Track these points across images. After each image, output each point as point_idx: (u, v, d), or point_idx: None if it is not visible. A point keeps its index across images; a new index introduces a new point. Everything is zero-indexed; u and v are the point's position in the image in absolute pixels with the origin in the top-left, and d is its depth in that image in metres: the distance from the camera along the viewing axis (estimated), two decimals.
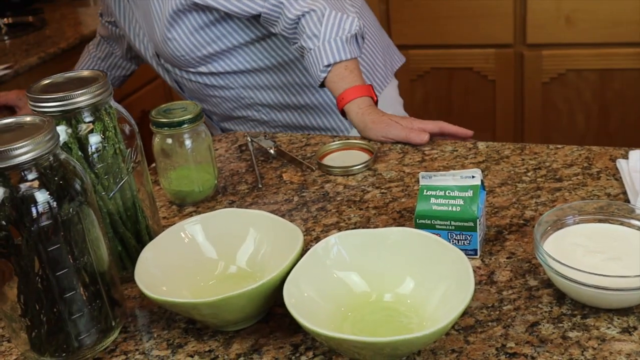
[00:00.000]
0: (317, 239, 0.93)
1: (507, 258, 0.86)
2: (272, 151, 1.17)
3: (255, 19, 1.31)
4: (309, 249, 0.78)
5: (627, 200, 0.94)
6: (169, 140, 1.03)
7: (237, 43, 1.35)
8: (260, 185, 1.09)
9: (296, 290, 0.73)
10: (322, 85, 1.27)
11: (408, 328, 0.75)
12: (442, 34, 2.43)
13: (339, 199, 1.03)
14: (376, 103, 1.24)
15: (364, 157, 1.13)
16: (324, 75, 1.24)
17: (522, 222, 0.93)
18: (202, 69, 1.39)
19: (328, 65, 1.23)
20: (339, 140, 1.19)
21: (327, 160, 1.14)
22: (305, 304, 0.73)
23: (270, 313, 0.81)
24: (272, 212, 1.01)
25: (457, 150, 1.13)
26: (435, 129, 1.18)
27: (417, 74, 2.51)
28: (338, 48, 1.23)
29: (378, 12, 2.44)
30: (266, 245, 0.84)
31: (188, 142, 1.03)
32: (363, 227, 0.95)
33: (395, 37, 2.46)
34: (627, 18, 2.23)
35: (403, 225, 0.95)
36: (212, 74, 1.40)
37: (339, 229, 0.95)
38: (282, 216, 0.99)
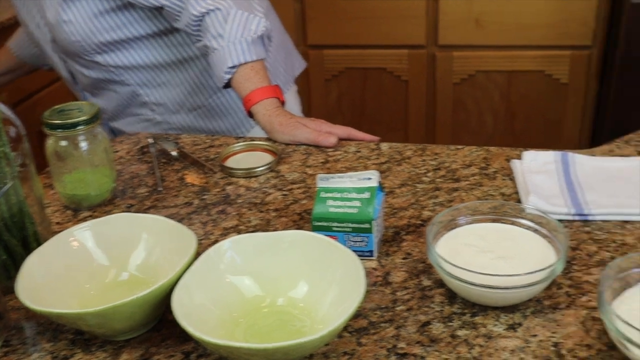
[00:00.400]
0: (216, 243, 0.91)
1: (403, 259, 0.87)
2: (174, 153, 1.15)
3: (158, 11, 1.28)
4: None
5: (520, 200, 0.96)
6: (64, 143, 1.00)
7: (137, 34, 1.32)
8: (160, 188, 1.07)
9: (186, 297, 0.71)
10: (226, 86, 1.25)
11: (301, 332, 0.74)
12: (356, 34, 2.45)
13: (240, 201, 1.02)
14: (283, 104, 1.23)
15: (268, 158, 1.12)
16: (228, 76, 1.22)
17: (419, 222, 0.94)
18: (98, 58, 1.34)
19: (233, 67, 1.21)
20: (243, 142, 1.18)
21: (230, 162, 1.13)
22: (196, 311, 0.71)
23: (162, 320, 0.79)
24: (171, 215, 0.99)
25: (360, 152, 1.14)
26: (344, 134, 1.18)
27: (332, 74, 2.52)
28: (243, 49, 1.21)
29: (292, 11, 2.44)
30: (159, 251, 0.82)
31: (84, 144, 1.00)
32: (262, 230, 0.94)
33: (311, 37, 2.48)
34: (532, 22, 2.31)
35: (302, 227, 0.95)
36: (108, 67, 1.36)
37: (239, 232, 0.94)
38: (181, 220, 0.98)
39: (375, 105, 2.56)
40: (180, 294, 0.71)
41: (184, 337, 0.76)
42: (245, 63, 1.22)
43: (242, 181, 1.08)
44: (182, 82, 1.39)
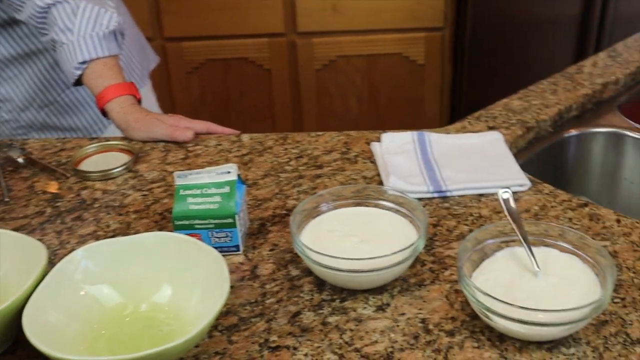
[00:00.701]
0: None
1: (270, 250, 0.85)
2: (20, 160, 1.07)
3: None
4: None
5: (381, 182, 0.98)
6: None
7: None
8: (6, 199, 0.99)
9: (38, 313, 0.66)
10: (77, 83, 1.18)
11: (169, 336, 0.71)
12: (215, 24, 2.40)
13: (97, 206, 0.97)
14: (139, 102, 1.18)
15: (124, 158, 1.07)
16: (78, 72, 1.15)
17: (284, 212, 0.93)
18: None
19: (84, 62, 1.15)
20: (97, 143, 1.12)
21: (84, 165, 1.07)
22: (51, 328, 0.67)
23: (17, 341, 0.73)
24: (21, 227, 0.92)
25: (221, 145, 1.11)
26: (203, 129, 1.15)
27: (192, 67, 2.46)
28: (95, 44, 1.15)
29: (146, 4, 2.35)
30: (7, 267, 0.76)
31: None
32: (123, 234, 0.90)
33: (167, 29, 2.41)
34: (387, 5, 2.37)
35: (165, 228, 0.91)
36: None
37: (97, 239, 0.89)
38: (33, 231, 0.91)
39: (240, 96, 2.53)
40: (30, 311, 0.66)
41: (43, 356, 0.70)
42: (97, 59, 1.15)
43: (98, 184, 1.02)
44: (30, 77, 1.30)
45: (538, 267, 0.73)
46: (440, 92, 2.51)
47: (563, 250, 0.76)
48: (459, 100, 2.50)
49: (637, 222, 0.87)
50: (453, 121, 1.16)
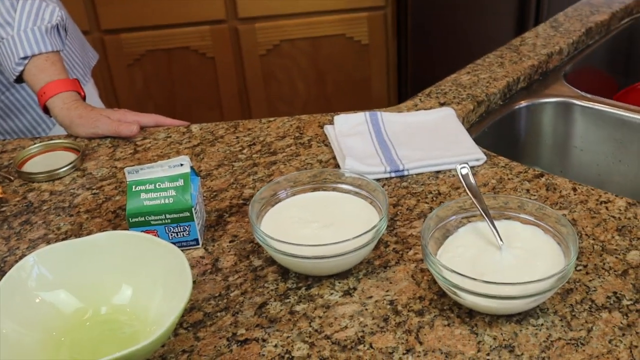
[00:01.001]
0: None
1: (230, 242, 0.84)
2: None
3: None
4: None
5: (337, 165, 0.97)
6: None
7: None
8: None
9: None
10: (18, 80, 1.13)
11: (133, 338, 0.69)
12: (154, 14, 2.35)
13: (45, 208, 0.93)
14: (84, 98, 1.14)
15: (71, 157, 1.03)
16: (19, 68, 1.10)
17: (241, 202, 0.91)
18: None
19: (25, 58, 1.10)
20: (40, 142, 1.08)
21: (28, 167, 1.03)
22: (6, 340, 0.63)
23: None
24: None
25: (170, 137, 1.08)
26: (151, 122, 1.12)
27: (134, 58, 2.40)
28: (37, 39, 1.10)
29: None
30: None
31: None
32: (75, 235, 0.87)
33: (104, 22, 2.34)
34: None
35: (119, 226, 0.88)
36: None
37: (49, 242, 0.86)
38: None
39: (185, 86, 2.48)
40: None
41: None
42: (40, 54, 1.11)
43: (44, 185, 0.98)
44: None
45: (501, 240, 0.73)
46: (386, 71, 2.51)
47: (524, 222, 0.76)
48: (405, 77, 2.51)
49: (593, 190, 0.88)
50: (401, 99, 1.16)
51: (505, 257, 0.72)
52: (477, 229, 0.77)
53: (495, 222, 0.75)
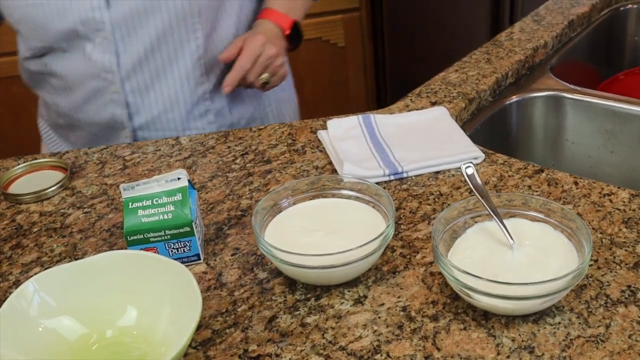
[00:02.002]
0: (17, 284, 0.79)
1: (232, 255, 0.81)
2: None
3: None
4: (5, 300, 0.66)
5: (334, 171, 0.95)
6: None
7: None
8: None
9: None
10: None
11: None
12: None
13: (36, 230, 0.90)
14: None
15: (58, 176, 1.00)
16: None
17: (239, 213, 0.89)
18: None
19: None
20: (24, 163, 1.04)
21: (14, 188, 0.99)
22: None
23: None
24: None
25: (160, 150, 1.06)
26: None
27: None
28: None
29: None
30: None
31: None
32: (70, 257, 0.84)
33: None
34: None
35: (116, 245, 0.85)
36: None
37: (42, 265, 0.83)
38: None
39: None
40: None
41: None
42: None
43: (33, 207, 0.95)
44: None
45: (512, 239, 0.72)
46: (363, 73, 2.50)
47: (532, 219, 0.75)
48: (383, 78, 2.50)
49: (594, 183, 0.87)
50: (380, 100, 1.15)
51: (516, 256, 0.71)
52: (485, 228, 0.76)
53: (504, 221, 0.74)
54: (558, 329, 0.66)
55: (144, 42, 1.09)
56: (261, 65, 1.13)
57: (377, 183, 0.90)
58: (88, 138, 1.21)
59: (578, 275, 0.65)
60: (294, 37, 1.19)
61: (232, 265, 0.80)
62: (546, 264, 0.70)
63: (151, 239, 0.78)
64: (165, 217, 0.78)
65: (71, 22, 1.06)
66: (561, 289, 0.65)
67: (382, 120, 1.04)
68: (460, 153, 0.93)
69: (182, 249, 0.79)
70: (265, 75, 1.14)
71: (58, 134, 1.27)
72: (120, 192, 0.92)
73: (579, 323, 0.67)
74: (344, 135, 1.00)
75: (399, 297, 0.72)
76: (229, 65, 1.14)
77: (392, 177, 0.91)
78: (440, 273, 0.74)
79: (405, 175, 0.91)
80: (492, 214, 0.74)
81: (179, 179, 0.80)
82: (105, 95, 1.13)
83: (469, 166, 0.77)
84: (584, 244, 0.69)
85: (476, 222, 0.77)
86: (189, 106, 1.16)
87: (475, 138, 1.01)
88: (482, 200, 0.74)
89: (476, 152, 0.93)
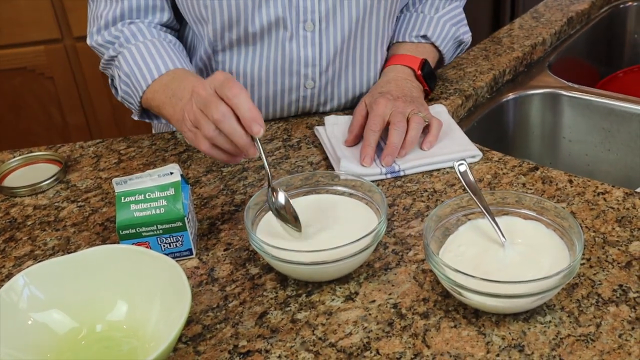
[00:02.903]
0: (10, 277, 0.79)
1: (224, 250, 0.81)
2: None
3: None
4: None
5: (328, 167, 0.95)
6: None
7: None
8: None
9: None
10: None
11: (131, 355, 0.67)
12: None
13: (29, 223, 0.90)
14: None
15: (53, 169, 1.00)
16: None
17: (233, 208, 0.89)
18: None
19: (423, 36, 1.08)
20: (20, 156, 1.04)
21: (9, 181, 0.99)
22: None
23: None
24: None
25: (155, 144, 1.06)
26: None
27: None
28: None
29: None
30: None
31: None
32: (63, 250, 0.84)
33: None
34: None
35: (109, 239, 0.85)
36: None
37: (35, 259, 0.83)
38: None
39: None
40: None
41: None
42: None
43: (27, 200, 0.95)
44: None
45: (504, 237, 0.72)
46: None
47: (524, 217, 0.75)
48: None
49: (589, 181, 0.87)
50: None
51: (508, 255, 0.71)
52: (477, 226, 0.75)
53: (497, 219, 0.74)
54: (548, 328, 0.66)
55: (343, 31, 1.00)
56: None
57: (374, 181, 0.90)
58: None
59: (569, 273, 0.65)
60: (427, 77, 1.06)
61: (224, 260, 0.80)
62: (538, 262, 0.69)
63: (143, 234, 0.78)
64: (158, 211, 0.78)
65: (273, 12, 0.96)
66: (552, 287, 0.65)
67: None
68: (458, 152, 0.93)
69: (174, 244, 0.79)
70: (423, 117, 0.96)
71: None
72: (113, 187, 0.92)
73: (570, 322, 0.67)
74: (341, 132, 1.00)
75: (390, 294, 0.72)
76: None
77: (389, 176, 0.91)
78: (432, 270, 0.74)
79: (402, 173, 0.91)
80: (484, 211, 0.73)
81: (171, 173, 0.80)
82: (298, 91, 1.05)
83: (462, 164, 0.77)
84: (575, 243, 0.69)
85: (469, 219, 0.76)
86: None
87: (471, 135, 1.01)
88: (474, 198, 0.74)
89: (474, 151, 0.93)
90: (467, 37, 1.12)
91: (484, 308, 0.68)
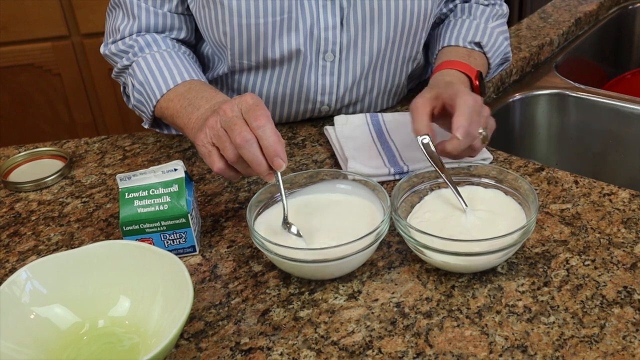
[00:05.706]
0: (13, 271, 0.79)
1: (228, 247, 0.81)
2: None
3: None
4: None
5: (333, 165, 0.94)
6: None
7: None
8: None
9: None
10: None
11: (133, 351, 0.67)
12: None
13: (34, 218, 0.90)
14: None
15: (58, 164, 1.00)
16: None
17: (237, 205, 0.89)
18: None
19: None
20: (25, 151, 1.05)
21: (14, 176, 0.99)
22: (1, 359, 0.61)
23: None
24: None
25: (160, 141, 1.06)
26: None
27: None
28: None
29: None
30: None
31: None
32: (66, 246, 0.84)
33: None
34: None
35: (112, 235, 0.85)
36: None
37: (39, 254, 0.83)
38: None
39: None
40: None
41: None
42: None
43: (32, 195, 0.95)
44: None
45: (466, 204, 0.77)
46: None
47: (486, 186, 0.80)
48: None
49: (595, 182, 0.86)
50: None
51: (470, 219, 0.76)
52: (442, 195, 0.81)
53: (460, 188, 0.79)
54: (552, 329, 0.66)
55: (363, 61, 0.99)
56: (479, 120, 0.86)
57: (381, 182, 0.89)
58: None
59: (525, 232, 0.70)
60: (482, 89, 1.00)
61: (227, 257, 0.80)
62: (497, 225, 0.74)
63: (147, 230, 0.78)
64: (161, 208, 0.78)
65: (294, 42, 0.95)
66: (508, 245, 0.69)
67: (390, 118, 1.03)
68: None
69: (177, 240, 0.79)
70: (483, 130, 0.85)
71: None
72: (117, 183, 0.92)
73: (574, 323, 0.66)
74: (352, 133, 0.99)
75: (393, 293, 0.72)
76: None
77: (397, 177, 0.91)
78: (435, 269, 0.74)
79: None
80: (446, 181, 0.78)
81: (175, 170, 0.80)
82: (312, 113, 1.06)
83: (425, 137, 0.80)
84: (530, 207, 0.74)
85: (433, 190, 0.81)
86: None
87: None
88: (435, 168, 0.79)
89: (485, 154, 0.92)
90: (511, 55, 1.08)
91: (447, 268, 0.73)
